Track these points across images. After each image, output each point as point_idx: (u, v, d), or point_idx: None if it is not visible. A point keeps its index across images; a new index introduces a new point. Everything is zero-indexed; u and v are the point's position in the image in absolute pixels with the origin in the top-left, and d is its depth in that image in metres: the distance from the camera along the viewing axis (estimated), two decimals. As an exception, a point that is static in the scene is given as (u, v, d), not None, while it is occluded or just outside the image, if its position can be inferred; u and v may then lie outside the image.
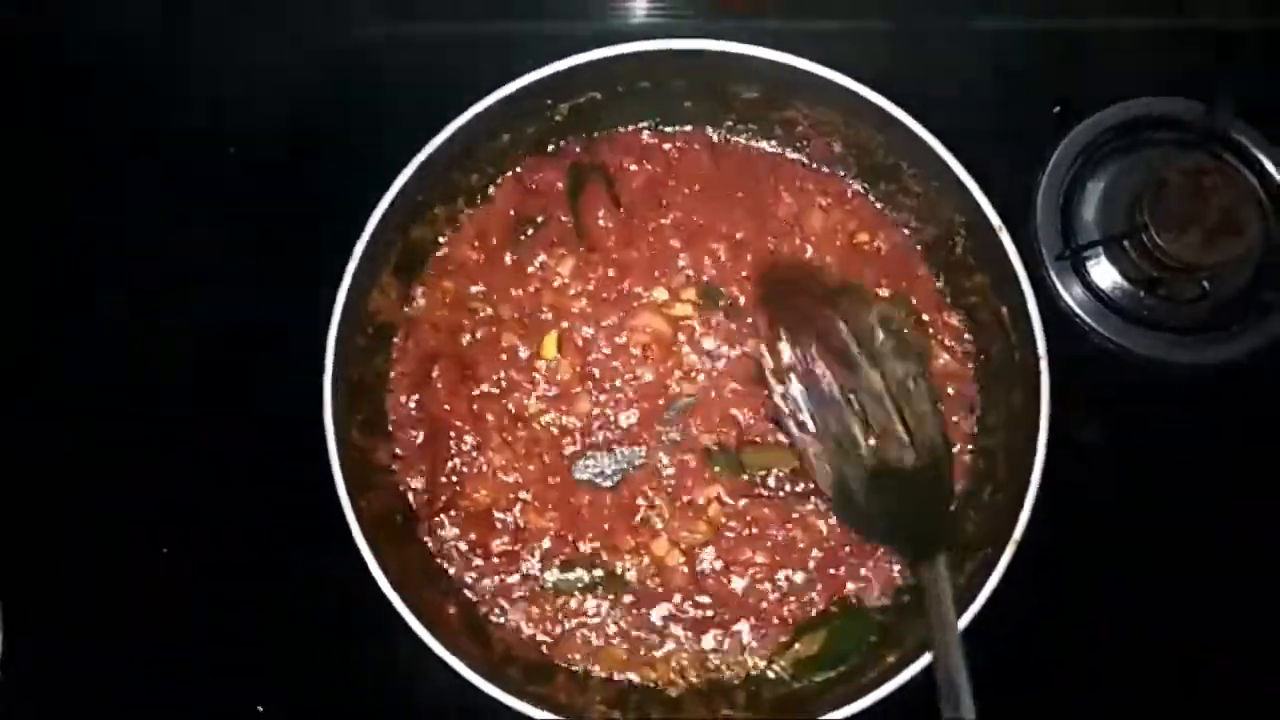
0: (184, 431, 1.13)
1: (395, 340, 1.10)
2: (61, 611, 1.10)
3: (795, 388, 1.01)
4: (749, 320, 1.09)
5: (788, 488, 1.07)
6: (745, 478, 1.07)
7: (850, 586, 1.06)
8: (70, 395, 1.14)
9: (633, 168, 1.13)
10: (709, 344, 1.10)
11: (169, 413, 1.13)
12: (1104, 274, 1.18)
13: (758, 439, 1.08)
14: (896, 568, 1.06)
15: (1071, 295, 1.18)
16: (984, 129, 1.12)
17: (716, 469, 1.07)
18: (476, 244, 1.11)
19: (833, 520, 1.06)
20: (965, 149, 1.03)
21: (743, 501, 1.07)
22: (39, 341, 1.16)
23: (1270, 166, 1.19)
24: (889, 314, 1.04)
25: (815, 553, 1.06)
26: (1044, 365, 0.98)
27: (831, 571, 1.06)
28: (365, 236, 1.00)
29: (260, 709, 1.09)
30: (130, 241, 1.17)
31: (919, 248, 1.12)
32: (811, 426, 1.02)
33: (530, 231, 1.12)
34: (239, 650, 1.09)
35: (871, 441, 1.01)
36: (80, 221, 1.19)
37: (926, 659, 0.93)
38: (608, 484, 1.08)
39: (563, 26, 1.22)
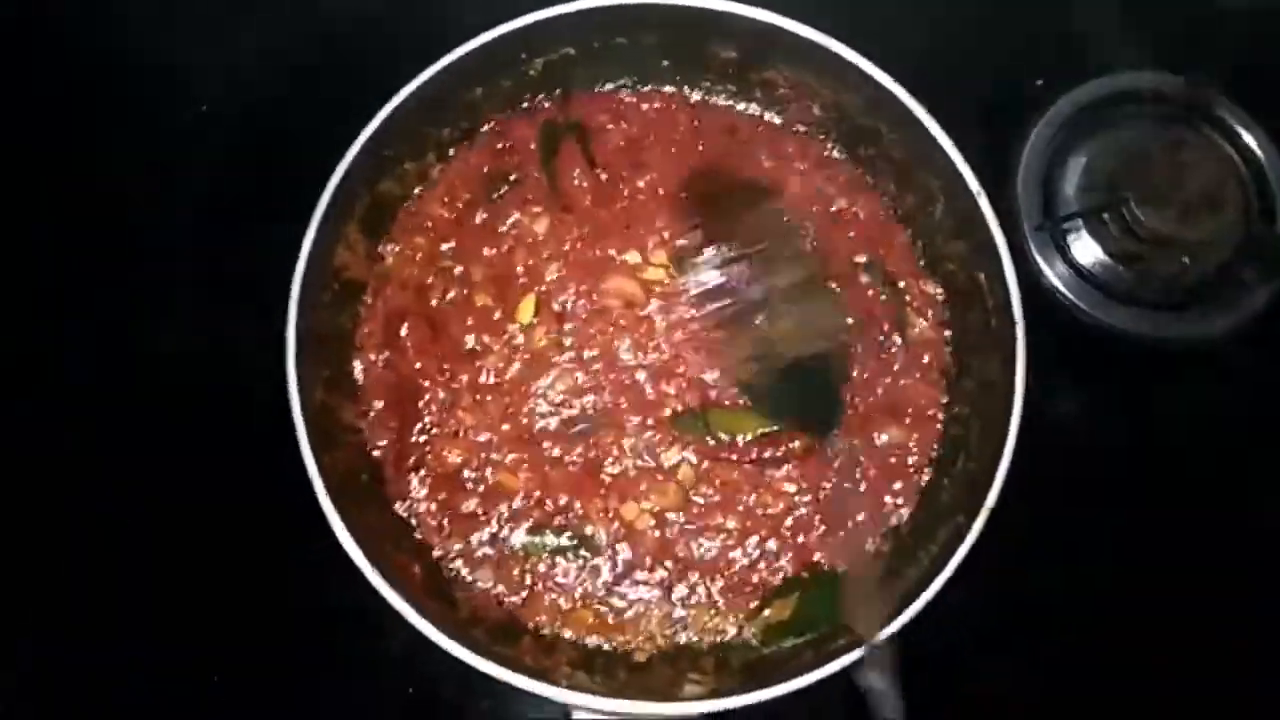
0: (150, 387, 1.11)
1: (364, 298, 1.08)
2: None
3: (709, 274, 1.04)
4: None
5: (755, 453, 1.06)
6: (711, 441, 1.06)
7: (820, 553, 1.05)
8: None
9: (610, 127, 1.12)
10: (679, 308, 1.09)
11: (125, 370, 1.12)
12: (1085, 249, 1.17)
13: (726, 402, 1.07)
14: (869, 537, 1.05)
15: (1052, 270, 1.17)
16: (966, 100, 1.12)
17: (680, 431, 1.06)
18: (447, 200, 1.10)
19: (804, 486, 1.05)
20: (947, 120, 1.02)
21: (706, 464, 1.06)
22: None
23: (1251, 142, 1.19)
24: (794, 228, 1.09)
25: (787, 520, 1.06)
26: (1020, 331, 0.98)
27: (802, 539, 1.05)
28: (329, 189, 0.98)
29: (216, 677, 1.08)
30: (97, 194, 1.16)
31: (896, 214, 1.11)
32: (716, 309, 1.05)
33: (504, 190, 1.11)
34: (197, 610, 1.08)
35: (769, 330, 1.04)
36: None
37: (895, 625, 0.92)
38: (577, 447, 1.06)
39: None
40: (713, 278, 1.04)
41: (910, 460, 1.07)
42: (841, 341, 1.08)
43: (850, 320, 1.09)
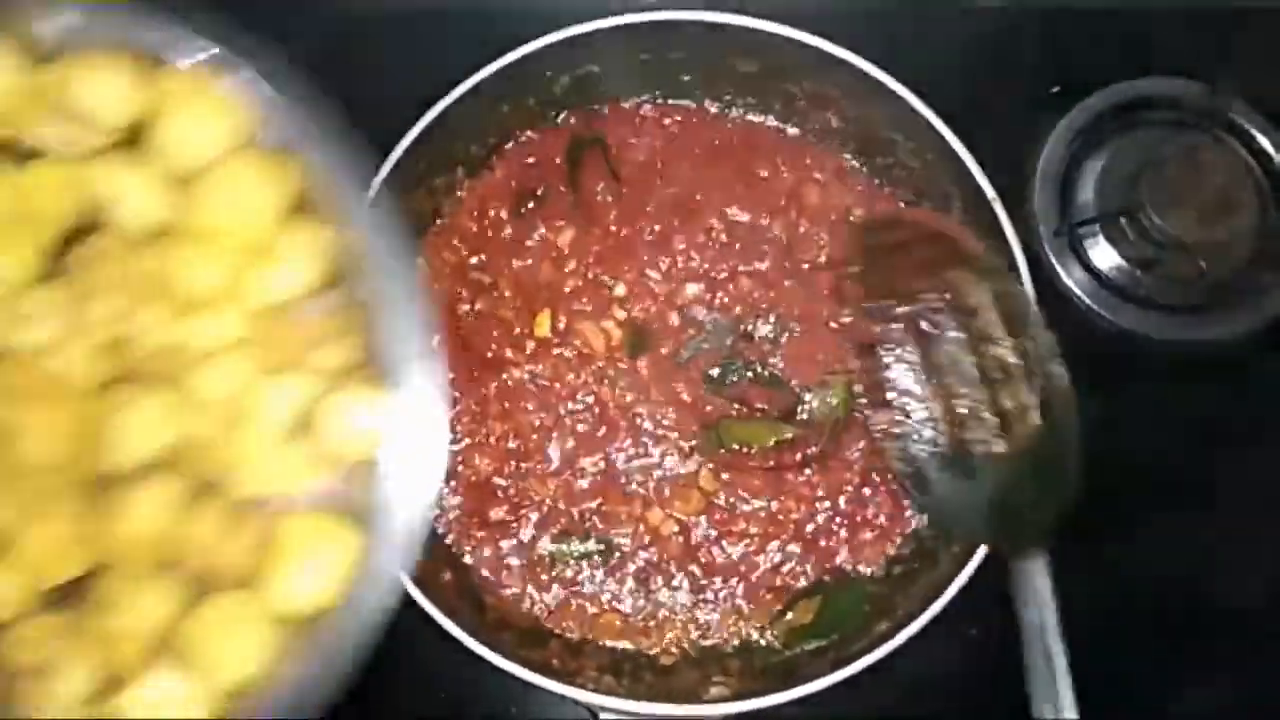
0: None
1: (395, 310, 1.11)
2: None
3: (885, 359, 0.95)
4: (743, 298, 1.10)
5: (774, 460, 1.08)
6: (724, 452, 1.08)
7: (843, 556, 1.07)
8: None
9: (632, 141, 1.14)
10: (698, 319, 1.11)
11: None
12: (1102, 255, 1.18)
13: (736, 410, 1.09)
14: (888, 541, 1.07)
15: (1069, 275, 1.18)
16: (984, 107, 1.12)
17: (698, 452, 1.08)
18: (475, 215, 1.12)
19: (824, 491, 1.07)
20: (963, 126, 1.04)
21: (725, 475, 1.08)
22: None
23: (1269, 147, 1.19)
24: (1002, 290, 0.95)
25: (809, 525, 1.07)
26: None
27: (824, 543, 1.07)
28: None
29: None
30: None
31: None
32: (893, 400, 0.96)
33: (530, 204, 1.13)
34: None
35: (956, 425, 0.94)
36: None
37: (916, 626, 0.95)
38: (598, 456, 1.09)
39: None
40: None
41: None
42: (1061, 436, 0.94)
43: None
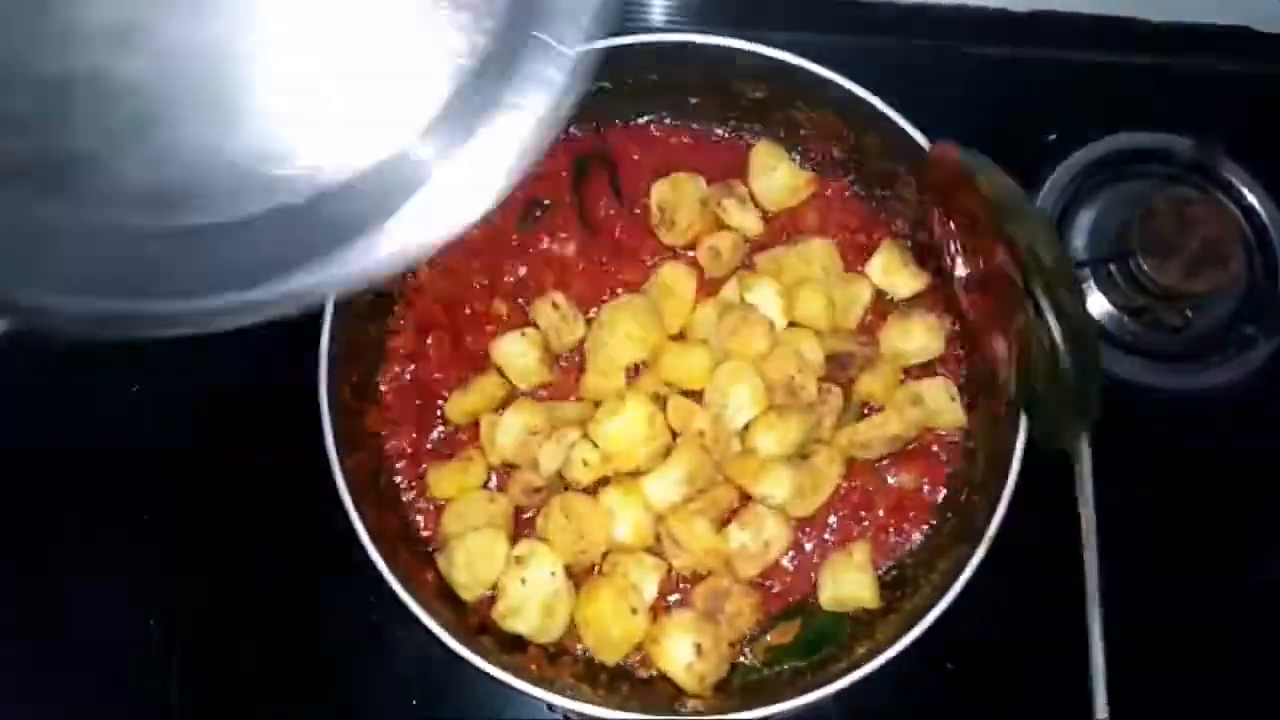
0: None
1: (395, 310, 1.12)
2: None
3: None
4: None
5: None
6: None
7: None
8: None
9: (637, 158, 1.16)
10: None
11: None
12: (1093, 301, 1.21)
13: None
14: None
15: (1059, 319, 1.20)
16: (981, 151, 1.14)
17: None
18: (483, 223, 1.14)
19: (809, 528, 1.08)
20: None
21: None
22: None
23: (1255, 201, 1.23)
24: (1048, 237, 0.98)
25: (788, 551, 1.07)
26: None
27: (810, 572, 1.07)
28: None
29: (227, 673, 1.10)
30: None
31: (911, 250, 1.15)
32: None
33: (537, 214, 1.15)
34: (213, 599, 1.11)
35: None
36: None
37: (895, 650, 0.95)
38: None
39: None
40: None
41: (924, 490, 1.10)
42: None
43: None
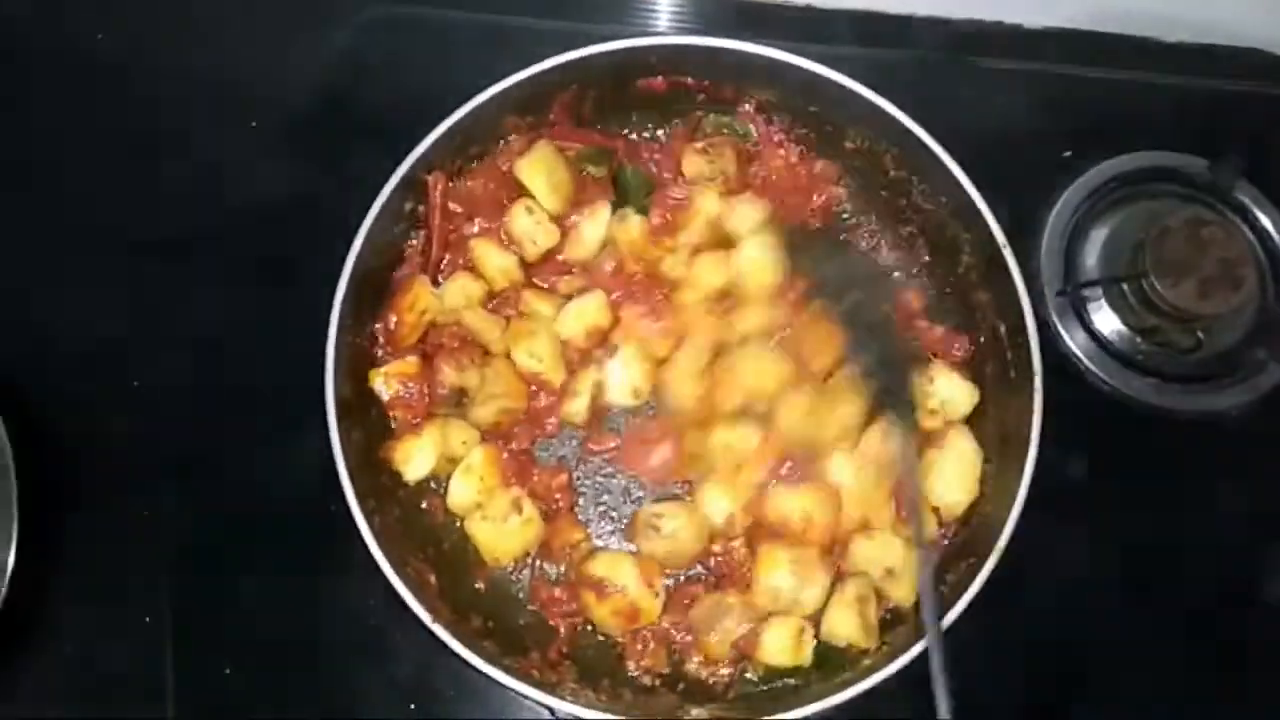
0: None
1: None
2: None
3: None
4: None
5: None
6: None
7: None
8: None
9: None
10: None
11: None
12: (1105, 320, 1.20)
13: None
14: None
15: (1072, 338, 1.20)
16: (996, 165, 1.13)
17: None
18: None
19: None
20: (976, 184, 1.07)
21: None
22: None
23: (1269, 226, 1.23)
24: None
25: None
26: (1039, 382, 1.01)
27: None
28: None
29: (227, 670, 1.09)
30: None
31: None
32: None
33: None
34: (222, 604, 1.10)
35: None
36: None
37: (900, 663, 0.95)
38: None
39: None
40: None
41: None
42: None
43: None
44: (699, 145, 1.14)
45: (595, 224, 1.13)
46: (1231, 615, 1.13)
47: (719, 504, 1.04)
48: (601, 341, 1.10)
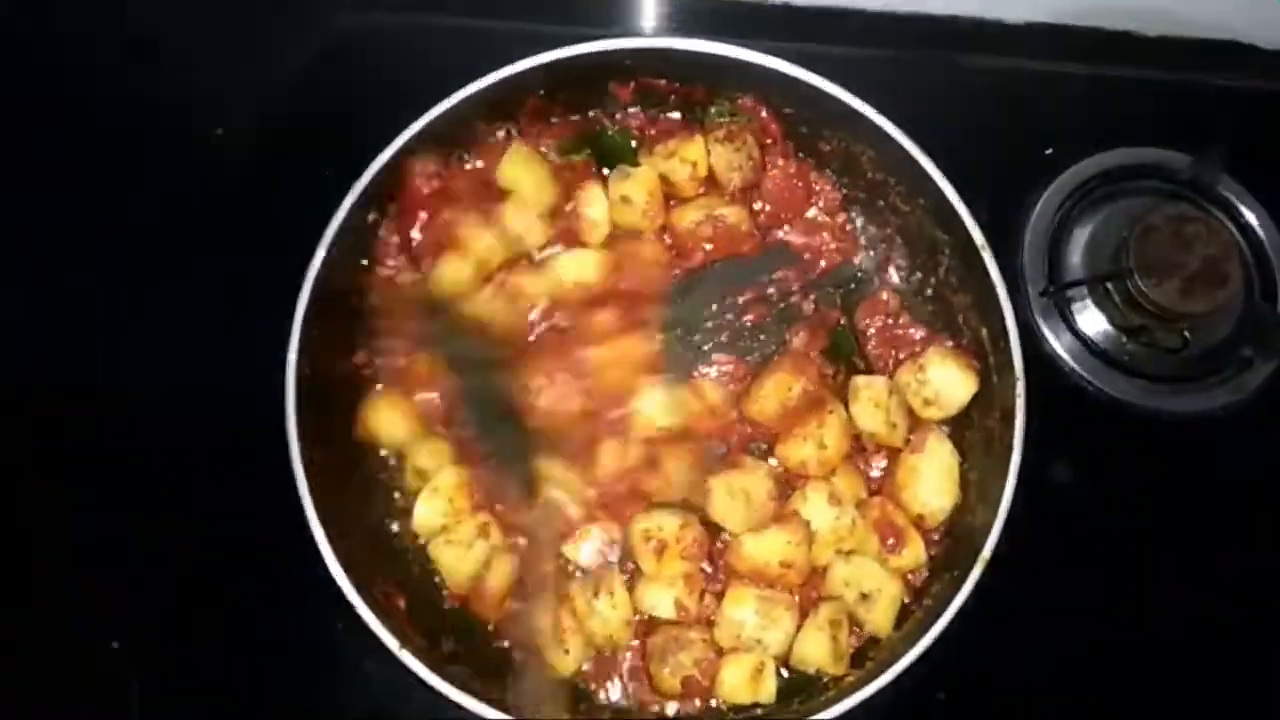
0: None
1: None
2: None
3: None
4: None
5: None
6: None
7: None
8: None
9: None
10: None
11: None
12: (1090, 320, 1.18)
13: None
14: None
15: (1057, 338, 1.18)
16: (976, 163, 1.11)
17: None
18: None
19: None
20: (954, 180, 1.05)
21: None
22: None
23: (1253, 220, 1.21)
24: None
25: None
26: (1021, 387, 0.99)
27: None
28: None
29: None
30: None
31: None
32: None
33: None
34: (175, 624, 1.07)
35: None
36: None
37: (884, 679, 0.92)
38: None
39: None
40: None
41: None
42: None
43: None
44: (719, 134, 1.11)
45: (594, 204, 1.11)
46: (1224, 618, 1.11)
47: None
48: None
